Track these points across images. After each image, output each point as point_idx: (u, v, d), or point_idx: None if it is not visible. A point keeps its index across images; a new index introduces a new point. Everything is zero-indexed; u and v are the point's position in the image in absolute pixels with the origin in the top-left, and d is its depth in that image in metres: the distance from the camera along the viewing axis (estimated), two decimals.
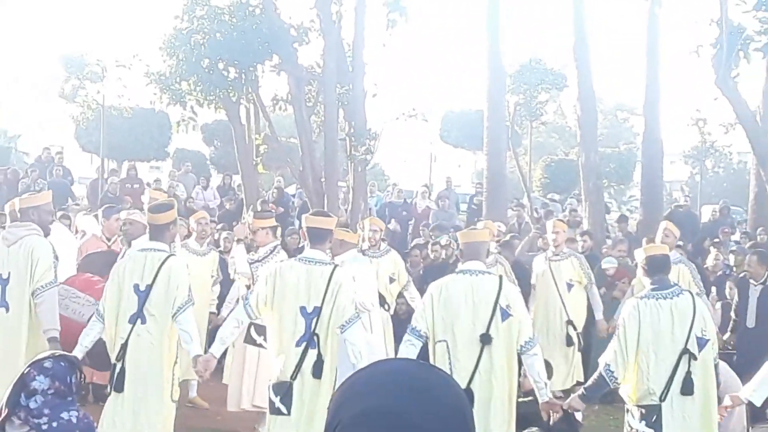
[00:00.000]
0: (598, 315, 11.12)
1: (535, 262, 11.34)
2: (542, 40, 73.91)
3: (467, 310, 6.82)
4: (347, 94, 18.03)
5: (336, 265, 7.11)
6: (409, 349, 6.94)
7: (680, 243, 11.49)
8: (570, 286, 10.77)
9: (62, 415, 4.74)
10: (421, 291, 9.68)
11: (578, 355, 10.43)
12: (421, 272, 13.09)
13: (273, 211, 16.95)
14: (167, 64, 18.78)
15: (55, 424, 4.70)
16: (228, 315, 8.19)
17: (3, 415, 4.69)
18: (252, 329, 9.22)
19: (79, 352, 6.92)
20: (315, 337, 6.79)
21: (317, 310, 6.80)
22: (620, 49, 77.38)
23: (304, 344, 6.78)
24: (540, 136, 45.49)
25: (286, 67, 18.51)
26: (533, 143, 30.01)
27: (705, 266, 13.94)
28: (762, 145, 17.05)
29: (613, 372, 6.91)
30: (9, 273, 7.75)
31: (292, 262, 7.18)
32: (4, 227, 8.39)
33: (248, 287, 9.79)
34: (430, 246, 14.67)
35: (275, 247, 9.86)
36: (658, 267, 7.10)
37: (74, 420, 4.79)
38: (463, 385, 6.53)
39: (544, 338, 10.37)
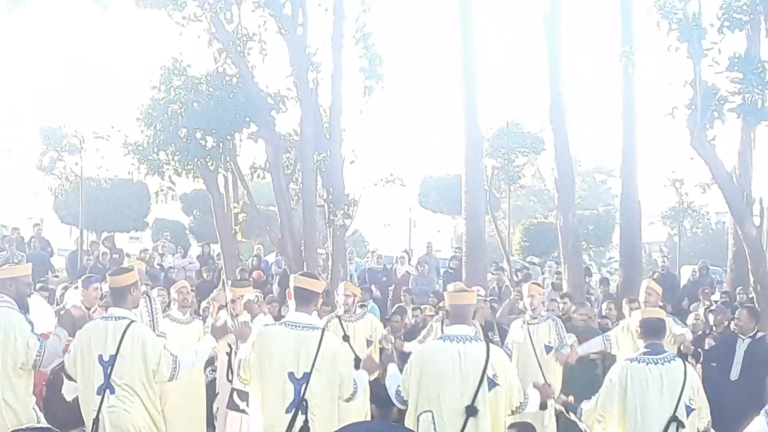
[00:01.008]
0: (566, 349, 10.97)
1: (513, 326, 11.30)
2: (519, 104, 74.41)
3: (454, 381, 6.61)
4: (325, 161, 18.11)
5: (324, 329, 6.98)
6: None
7: (660, 303, 11.52)
8: (548, 349, 10.74)
9: None
10: (402, 356, 9.66)
11: (553, 419, 10.32)
12: (401, 337, 13.05)
13: (253, 279, 16.96)
14: (145, 134, 18.73)
15: None
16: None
17: None
18: (235, 395, 9.14)
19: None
20: (304, 402, 6.62)
21: (306, 376, 6.65)
22: (597, 112, 78.07)
23: (293, 410, 6.61)
24: (518, 200, 45.71)
25: (264, 135, 18.59)
26: (512, 207, 30.07)
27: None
28: (739, 205, 17.09)
29: (582, 416, 7.13)
30: None
31: (277, 327, 7.00)
32: None
33: (229, 354, 9.77)
34: (410, 311, 14.63)
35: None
36: (652, 331, 7.11)
37: None
38: None
39: None
